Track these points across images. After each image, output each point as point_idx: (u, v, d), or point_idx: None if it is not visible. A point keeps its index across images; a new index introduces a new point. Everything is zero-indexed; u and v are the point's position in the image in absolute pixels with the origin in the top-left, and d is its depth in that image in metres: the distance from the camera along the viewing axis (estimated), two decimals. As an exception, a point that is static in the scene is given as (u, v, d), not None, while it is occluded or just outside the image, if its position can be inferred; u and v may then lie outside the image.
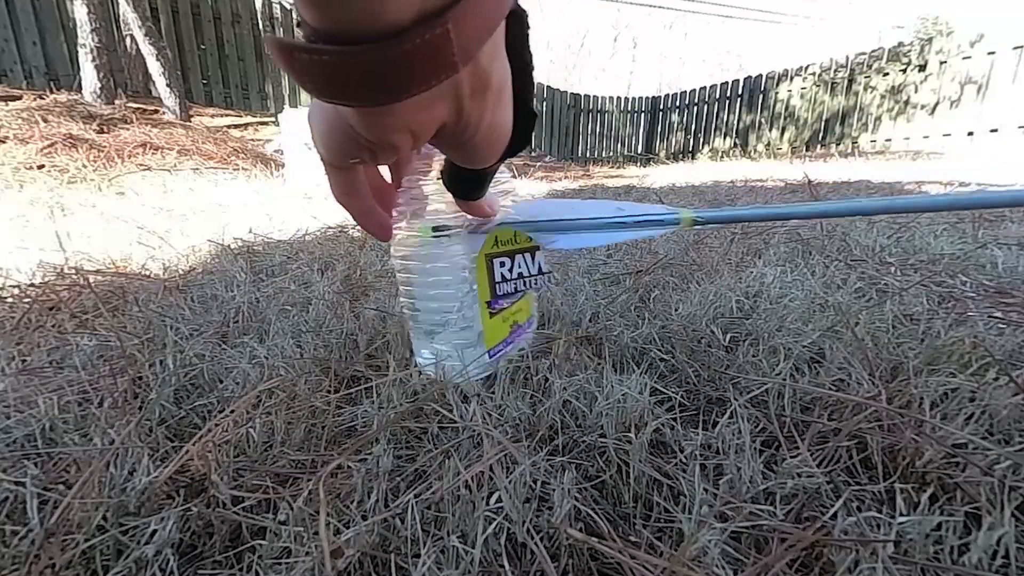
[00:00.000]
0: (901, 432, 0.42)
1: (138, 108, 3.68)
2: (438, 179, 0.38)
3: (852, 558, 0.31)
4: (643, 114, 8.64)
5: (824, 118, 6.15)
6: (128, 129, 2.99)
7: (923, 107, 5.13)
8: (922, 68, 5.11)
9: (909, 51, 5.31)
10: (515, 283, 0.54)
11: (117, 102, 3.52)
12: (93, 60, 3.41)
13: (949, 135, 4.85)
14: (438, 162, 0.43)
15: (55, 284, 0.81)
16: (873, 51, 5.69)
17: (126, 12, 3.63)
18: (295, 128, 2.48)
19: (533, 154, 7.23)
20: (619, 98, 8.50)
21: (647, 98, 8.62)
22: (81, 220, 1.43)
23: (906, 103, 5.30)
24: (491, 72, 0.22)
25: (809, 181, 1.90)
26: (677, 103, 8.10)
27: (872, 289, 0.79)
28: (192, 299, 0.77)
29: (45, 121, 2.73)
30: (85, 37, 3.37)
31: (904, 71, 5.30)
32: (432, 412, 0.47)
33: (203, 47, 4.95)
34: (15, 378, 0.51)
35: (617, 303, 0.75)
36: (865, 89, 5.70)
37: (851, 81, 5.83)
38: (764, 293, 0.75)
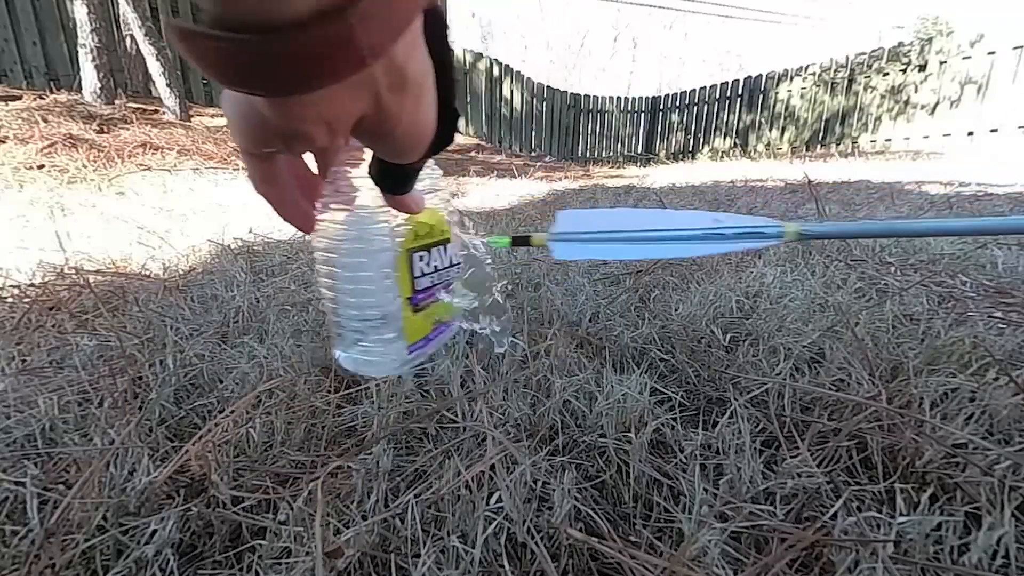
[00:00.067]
0: (901, 432, 0.42)
1: (138, 108, 3.68)
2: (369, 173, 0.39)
3: (852, 558, 0.31)
4: (643, 114, 8.64)
5: (824, 118, 6.15)
6: (128, 129, 2.99)
7: (923, 107, 5.13)
8: (922, 68, 5.11)
9: (909, 51, 5.31)
10: (431, 277, 0.55)
11: (117, 102, 3.52)
12: (93, 60, 3.41)
13: (949, 135, 4.85)
14: (370, 155, 0.43)
15: (55, 284, 0.81)
16: (873, 51, 5.69)
17: (126, 12, 3.63)
18: (295, 128, 2.47)
19: (533, 154, 7.23)
20: (619, 98, 8.50)
21: (647, 98, 8.62)
22: (81, 220, 1.43)
23: (906, 103, 5.30)
24: (408, 68, 0.22)
25: (809, 181, 1.90)
26: (677, 103, 8.10)
27: (872, 289, 0.78)
28: (192, 299, 0.77)
29: (45, 121, 2.73)
30: (85, 37, 3.37)
31: (904, 71, 5.30)
32: (432, 412, 0.47)
33: (203, 47, 4.93)
34: (15, 378, 0.51)
35: (617, 303, 0.75)
36: (865, 89, 5.70)
37: (851, 81, 5.84)
38: (764, 293, 0.75)
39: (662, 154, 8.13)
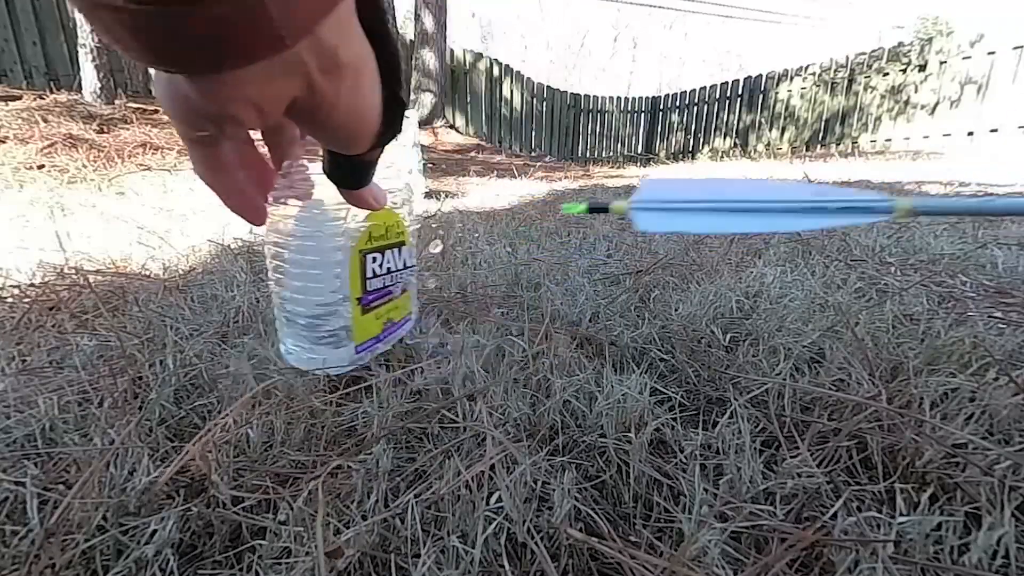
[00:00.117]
0: (901, 432, 0.42)
1: (138, 108, 3.68)
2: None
3: (852, 558, 0.31)
4: (643, 114, 8.64)
5: (824, 118, 6.15)
6: (128, 129, 2.99)
7: (923, 107, 5.13)
8: (922, 68, 5.11)
9: (909, 51, 5.31)
10: (384, 278, 0.54)
11: (117, 102, 3.52)
12: (93, 60, 3.41)
13: (949, 135, 4.85)
14: None
15: (55, 284, 0.81)
16: (873, 51, 5.69)
17: (126, 12, 3.62)
18: (295, 128, 2.47)
19: (533, 154, 7.23)
20: (619, 98, 8.50)
21: (647, 98, 8.62)
22: (81, 220, 1.43)
23: (906, 103, 5.30)
24: (340, 50, 0.22)
25: (809, 181, 1.90)
26: (677, 103, 8.10)
27: (872, 289, 0.79)
28: (192, 299, 0.77)
29: (45, 121, 2.73)
30: (85, 37, 3.37)
31: (904, 71, 5.30)
32: (432, 412, 0.47)
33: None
34: (15, 378, 0.51)
35: (617, 303, 0.75)
36: (865, 89, 5.70)
37: (851, 81, 5.83)
38: (764, 293, 0.75)
39: (662, 154, 8.13)
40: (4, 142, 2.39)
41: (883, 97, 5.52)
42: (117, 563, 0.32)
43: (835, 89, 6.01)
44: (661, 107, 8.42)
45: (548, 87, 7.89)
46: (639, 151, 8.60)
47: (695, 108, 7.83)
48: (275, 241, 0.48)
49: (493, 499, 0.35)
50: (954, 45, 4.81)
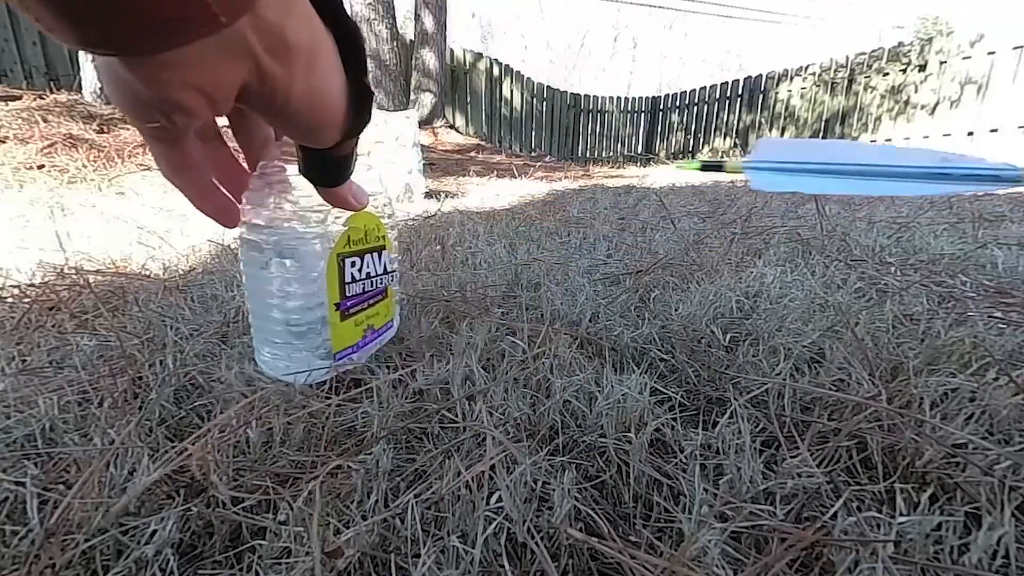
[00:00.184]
0: (901, 432, 0.42)
1: (138, 108, 3.68)
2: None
3: (852, 558, 0.31)
4: (643, 114, 8.64)
5: (824, 118, 6.15)
6: (128, 129, 2.99)
7: (923, 107, 5.13)
8: (922, 68, 5.12)
9: (909, 51, 5.31)
10: (363, 283, 0.52)
11: (117, 102, 3.52)
12: (93, 60, 3.41)
13: (949, 135, 4.85)
14: None
15: (55, 284, 0.81)
16: (873, 51, 5.69)
17: (126, 12, 3.63)
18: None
19: (533, 154, 7.24)
20: (619, 98, 8.50)
21: (647, 98, 8.62)
22: (81, 220, 1.43)
23: (906, 103, 5.30)
24: (287, 30, 0.21)
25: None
26: (677, 103, 8.10)
27: (872, 289, 0.79)
28: (192, 299, 0.77)
29: (45, 121, 2.73)
30: (85, 37, 3.37)
31: (904, 71, 5.30)
32: (432, 412, 0.47)
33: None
34: (15, 378, 0.51)
35: (617, 303, 0.75)
36: (865, 89, 5.70)
37: (851, 81, 5.84)
38: (764, 293, 0.75)
39: (662, 154, 8.13)
40: (4, 142, 2.39)
41: (883, 97, 5.52)
42: (117, 563, 0.32)
43: (835, 89, 6.01)
44: (661, 107, 8.42)
45: (548, 87, 7.89)
46: (639, 151, 8.60)
47: (695, 108, 7.83)
48: (249, 245, 0.46)
49: (493, 499, 0.35)
50: (954, 45, 4.81)
